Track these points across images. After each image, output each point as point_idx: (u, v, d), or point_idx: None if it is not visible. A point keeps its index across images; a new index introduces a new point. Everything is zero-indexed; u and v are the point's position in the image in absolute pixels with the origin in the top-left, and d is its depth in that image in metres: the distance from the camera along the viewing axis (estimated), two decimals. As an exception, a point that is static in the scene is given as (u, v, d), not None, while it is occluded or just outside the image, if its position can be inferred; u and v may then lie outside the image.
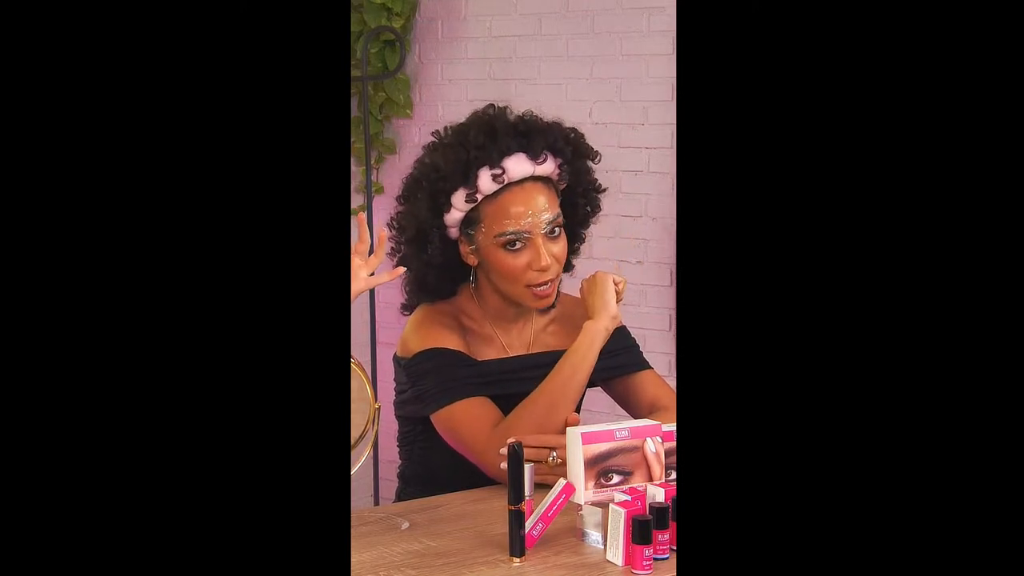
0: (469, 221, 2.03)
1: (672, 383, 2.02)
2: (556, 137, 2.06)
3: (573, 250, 2.15)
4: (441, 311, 2.10)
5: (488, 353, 2.10)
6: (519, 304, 2.08)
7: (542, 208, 2.01)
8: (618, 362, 2.16)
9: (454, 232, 2.06)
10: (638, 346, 2.21)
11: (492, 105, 2.09)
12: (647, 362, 2.19)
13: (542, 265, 2.00)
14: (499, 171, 1.99)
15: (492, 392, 2.02)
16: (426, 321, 2.08)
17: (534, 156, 2.01)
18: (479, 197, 2.00)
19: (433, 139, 2.10)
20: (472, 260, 2.06)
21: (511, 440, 1.67)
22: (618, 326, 2.13)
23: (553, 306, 2.11)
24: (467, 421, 1.98)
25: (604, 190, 2.18)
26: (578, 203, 2.13)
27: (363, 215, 1.95)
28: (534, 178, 2.03)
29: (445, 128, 2.10)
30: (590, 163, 2.13)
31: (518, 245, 2.00)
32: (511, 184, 2.01)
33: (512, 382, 2.06)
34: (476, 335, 2.10)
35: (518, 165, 2.00)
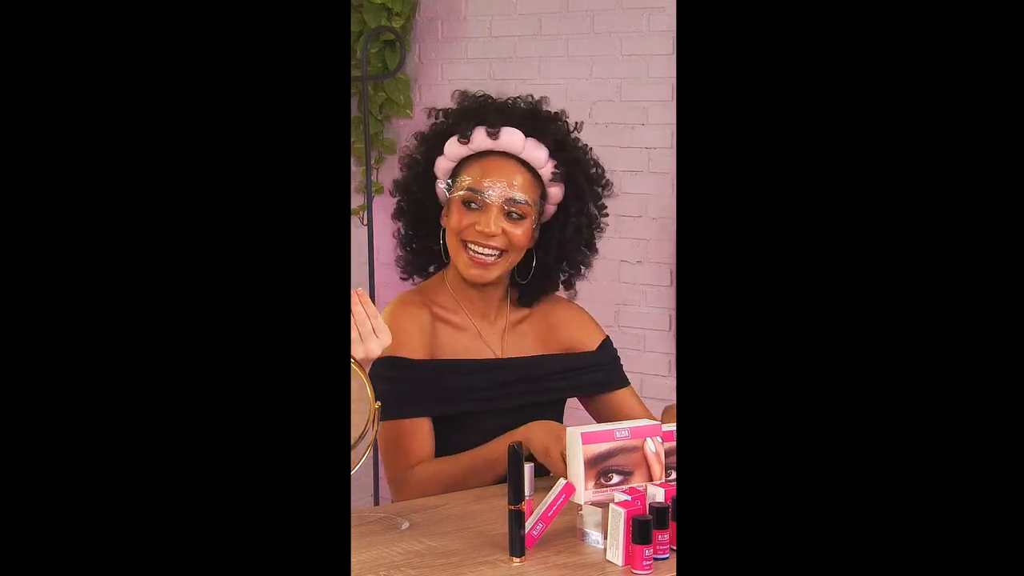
0: (454, 173, 2.06)
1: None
2: (566, 143, 2.09)
3: (574, 264, 2.16)
4: (412, 302, 2.08)
5: (460, 341, 2.08)
6: (471, 282, 2.07)
7: (514, 185, 2.03)
8: (600, 379, 2.17)
9: (441, 188, 2.08)
10: (619, 359, 2.23)
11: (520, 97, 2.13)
12: (627, 378, 2.22)
13: (486, 230, 2.00)
14: (494, 131, 2.03)
15: (452, 408, 2.01)
16: (396, 317, 2.05)
17: (533, 137, 2.04)
18: (470, 148, 2.04)
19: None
20: (444, 221, 2.09)
21: (511, 442, 1.67)
22: (604, 338, 2.15)
23: (512, 300, 2.14)
24: (399, 443, 2.00)
25: (604, 218, 2.19)
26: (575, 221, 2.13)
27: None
28: (521, 160, 2.05)
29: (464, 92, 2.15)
30: (596, 188, 2.15)
31: (474, 206, 2.02)
32: (500, 153, 2.04)
33: (472, 401, 2.05)
34: (449, 325, 2.09)
35: (512, 137, 2.03)
